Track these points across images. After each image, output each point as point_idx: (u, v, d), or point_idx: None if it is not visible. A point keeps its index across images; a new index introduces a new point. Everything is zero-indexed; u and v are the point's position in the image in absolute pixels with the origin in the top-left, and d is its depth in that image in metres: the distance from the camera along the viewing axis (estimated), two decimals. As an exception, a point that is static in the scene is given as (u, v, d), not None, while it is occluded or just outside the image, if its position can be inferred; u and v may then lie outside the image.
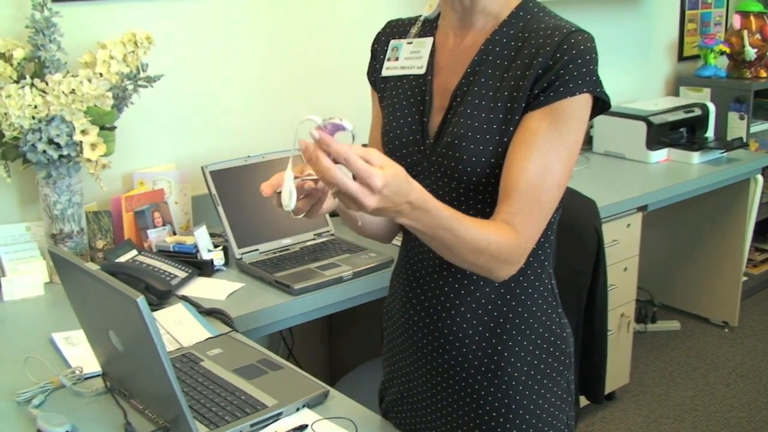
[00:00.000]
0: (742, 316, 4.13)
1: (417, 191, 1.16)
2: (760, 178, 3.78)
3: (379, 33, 1.62)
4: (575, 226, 2.08)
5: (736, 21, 4.38)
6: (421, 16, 1.57)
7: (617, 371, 3.36)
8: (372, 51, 1.62)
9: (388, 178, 1.09)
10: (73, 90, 2.11)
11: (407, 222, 1.19)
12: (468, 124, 1.39)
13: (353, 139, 1.10)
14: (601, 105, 1.39)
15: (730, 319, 4.09)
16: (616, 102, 3.90)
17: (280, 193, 1.15)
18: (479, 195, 1.41)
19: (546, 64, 1.33)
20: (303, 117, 1.11)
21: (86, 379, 1.63)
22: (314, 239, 2.49)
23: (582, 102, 1.34)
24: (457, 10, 1.45)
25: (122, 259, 2.20)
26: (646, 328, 4.07)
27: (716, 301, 4.10)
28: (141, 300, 1.25)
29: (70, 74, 2.17)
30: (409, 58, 1.52)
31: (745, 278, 4.16)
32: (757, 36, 4.36)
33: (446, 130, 1.42)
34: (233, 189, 2.41)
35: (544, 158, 1.32)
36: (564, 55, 1.32)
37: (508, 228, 1.30)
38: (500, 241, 1.28)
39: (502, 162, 1.36)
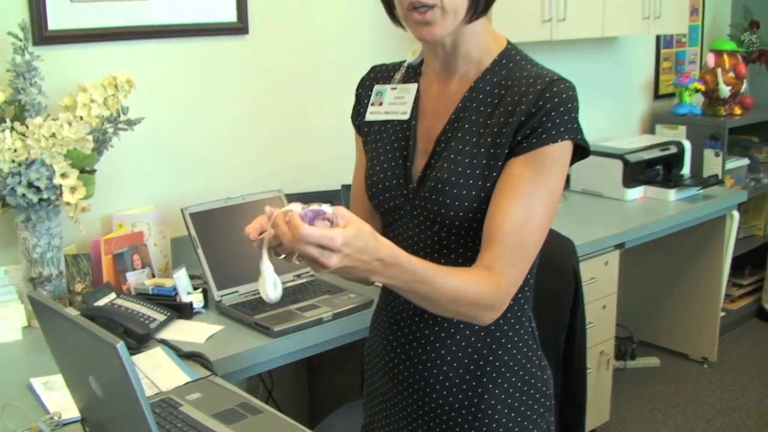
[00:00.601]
0: (721, 352, 4.15)
1: (387, 247, 1.19)
2: (736, 214, 3.82)
3: (363, 77, 1.64)
4: (553, 266, 2.09)
5: (711, 59, 4.46)
6: (404, 61, 1.59)
7: (597, 409, 3.36)
8: (356, 95, 1.64)
9: (348, 237, 1.12)
10: (54, 134, 2.12)
11: (382, 280, 1.22)
12: (452, 169, 1.41)
13: (331, 224, 1.13)
14: (581, 151, 1.42)
15: (709, 355, 4.11)
16: (593, 140, 3.92)
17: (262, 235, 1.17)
18: (461, 239, 1.43)
19: (529, 112, 1.36)
20: (284, 207, 1.14)
21: (65, 425, 1.62)
22: (294, 280, 2.49)
23: (563, 148, 1.38)
24: (440, 55, 1.48)
25: (101, 302, 2.19)
26: (626, 365, 4.08)
27: (695, 337, 4.12)
28: (120, 346, 1.24)
29: (50, 117, 2.17)
30: (393, 103, 1.55)
31: (723, 314, 4.18)
32: (731, 74, 4.43)
33: (430, 175, 1.44)
34: (213, 231, 2.41)
35: (528, 203, 1.35)
36: (546, 103, 1.36)
37: (487, 274, 1.31)
38: (478, 288, 1.30)
39: (484, 207, 1.38)
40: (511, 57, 1.47)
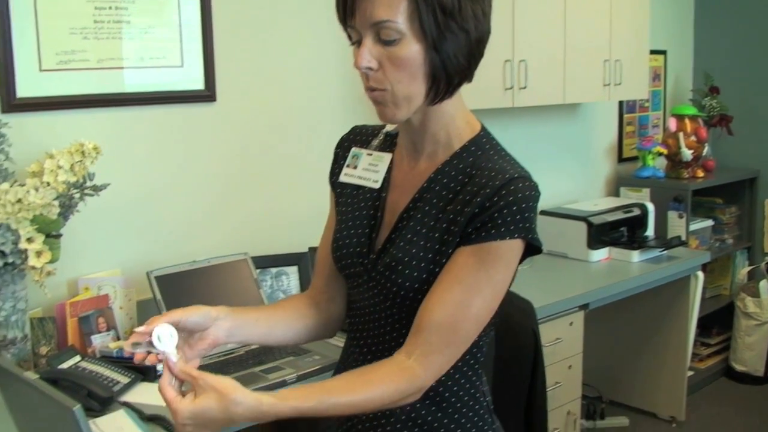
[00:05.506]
0: (689, 411, 4.16)
1: (267, 403, 1.25)
2: (700, 274, 3.87)
3: (342, 137, 1.65)
4: (512, 329, 2.11)
5: (672, 124, 4.56)
6: (384, 127, 1.61)
7: (566, 469, 3.37)
8: (335, 154, 1.65)
9: (194, 410, 1.21)
10: (20, 199, 2.15)
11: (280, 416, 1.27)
12: (406, 249, 1.43)
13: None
14: (534, 249, 1.42)
15: (677, 414, 4.12)
16: (558, 203, 4.04)
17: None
18: (413, 313, 1.42)
19: (483, 205, 1.37)
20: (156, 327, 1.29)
21: (23, 489, 1.62)
22: (259, 342, 2.50)
23: (512, 246, 1.38)
24: (408, 131, 1.50)
25: (65, 365, 2.20)
26: (595, 425, 4.08)
27: (663, 397, 4.14)
28: (78, 409, 1.26)
29: (17, 183, 2.20)
30: (367, 169, 1.56)
31: (691, 373, 4.22)
32: (693, 138, 4.53)
33: (389, 250, 1.46)
34: (179, 293, 2.43)
35: (465, 291, 1.37)
36: (501, 200, 1.36)
37: (400, 367, 1.36)
38: (390, 388, 1.34)
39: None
40: (481, 145, 1.47)
